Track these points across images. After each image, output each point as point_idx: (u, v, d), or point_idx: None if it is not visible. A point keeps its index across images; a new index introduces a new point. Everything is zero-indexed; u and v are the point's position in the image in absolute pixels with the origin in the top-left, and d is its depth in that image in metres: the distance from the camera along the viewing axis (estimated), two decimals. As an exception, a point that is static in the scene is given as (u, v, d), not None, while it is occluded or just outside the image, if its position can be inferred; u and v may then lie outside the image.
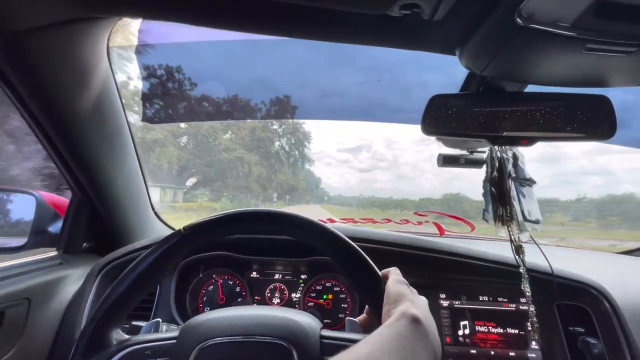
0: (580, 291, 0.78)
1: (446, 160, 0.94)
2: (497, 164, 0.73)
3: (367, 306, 0.55)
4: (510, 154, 0.73)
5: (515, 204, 0.68)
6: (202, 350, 0.47)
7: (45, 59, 0.57)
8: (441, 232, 1.47)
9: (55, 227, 0.90)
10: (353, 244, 0.51)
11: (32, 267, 0.74)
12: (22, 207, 0.86)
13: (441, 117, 0.71)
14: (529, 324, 0.79)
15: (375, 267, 0.50)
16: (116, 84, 0.70)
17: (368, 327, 0.52)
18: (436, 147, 0.94)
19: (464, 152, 0.94)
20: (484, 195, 0.73)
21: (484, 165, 0.93)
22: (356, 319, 0.57)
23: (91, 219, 0.89)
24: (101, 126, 0.71)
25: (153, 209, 1.07)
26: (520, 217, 0.67)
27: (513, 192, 0.70)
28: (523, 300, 0.82)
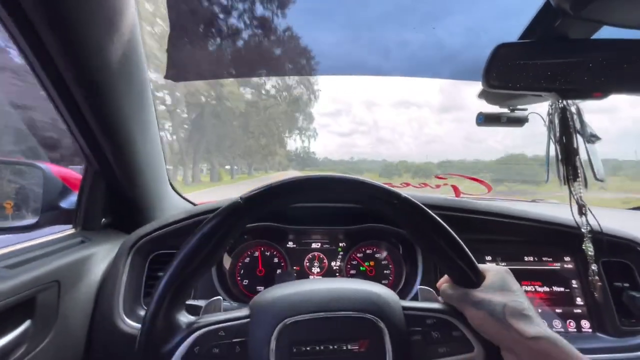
0: (625, 247, 0.79)
1: (488, 119, 0.89)
2: (560, 120, 0.68)
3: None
4: (574, 108, 0.68)
5: (583, 162, 0.65)
6: (285, 328, 0.43)
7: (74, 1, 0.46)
8: (457, 194, 1.47)
9: (68, 202, 0.81)
10: (439, 219, 0.46)
11: (55, 246, 0.66)
12: (29, 181, 0.77)
13: (507, 69, 0.64)
14: (574, 282, 0.80)
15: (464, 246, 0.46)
16: (140, 32, 0.59)
17: (448, 294, 0.48)
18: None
19: (505, 111, 0.90)
20: (546, 153, 0.69)
21: (525, 124, 0.90)
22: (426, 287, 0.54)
23: (108, 191, 0.80)
24: (129, 84, 0.60)
25: (169, 180, 0.98)
26: (590, 176, 0.64)
27: (581, 149, 0.66)
28: (567, 258, 0.82)
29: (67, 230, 0.78)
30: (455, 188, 1.47)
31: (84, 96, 0.55)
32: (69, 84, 0.53)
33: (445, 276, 0.52)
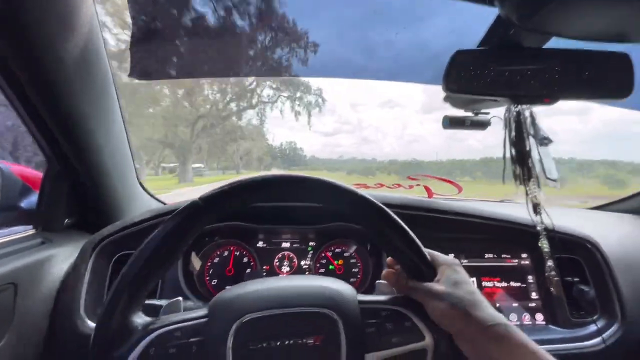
0: (575, 244, 0.84)
1: (453, 122, 0.92)
2: (515, 124, 0.72)
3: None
4: (527, 113, 0.72)
5: (536, 162, 0.69)
6: (241, 326, 0.43)
7: None
8: (429, 194, 1.51)
9: (28, 202, 0.79)
10: (397, 218, 0.48)
11: (12, 247, 0.64)
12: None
13: (464, 74, 0.67)
14: (530, 277, 0.84)
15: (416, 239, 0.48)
16: (99, 26, 0.58)
17: (396, 284, 0.51)
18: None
19: (469, 114, 0.93)
20: (504, 155, 0.73)
21: (487, 127, 0.94)
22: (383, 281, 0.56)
23: (71, 191, 0.79)
24: (89, 80, 0.59)
25: (138, 179, 0.97)
26: (541, 176, 0.68)
27: (533, 151, 0.70)
28: (524, 255, 0.87)
29: (27, 231, 0.76)
30: (427, 189, 1.51)
31: (39, 94, 0.54)
32: (23, 82, 0.51)
33: (390, 269, 0.54)
